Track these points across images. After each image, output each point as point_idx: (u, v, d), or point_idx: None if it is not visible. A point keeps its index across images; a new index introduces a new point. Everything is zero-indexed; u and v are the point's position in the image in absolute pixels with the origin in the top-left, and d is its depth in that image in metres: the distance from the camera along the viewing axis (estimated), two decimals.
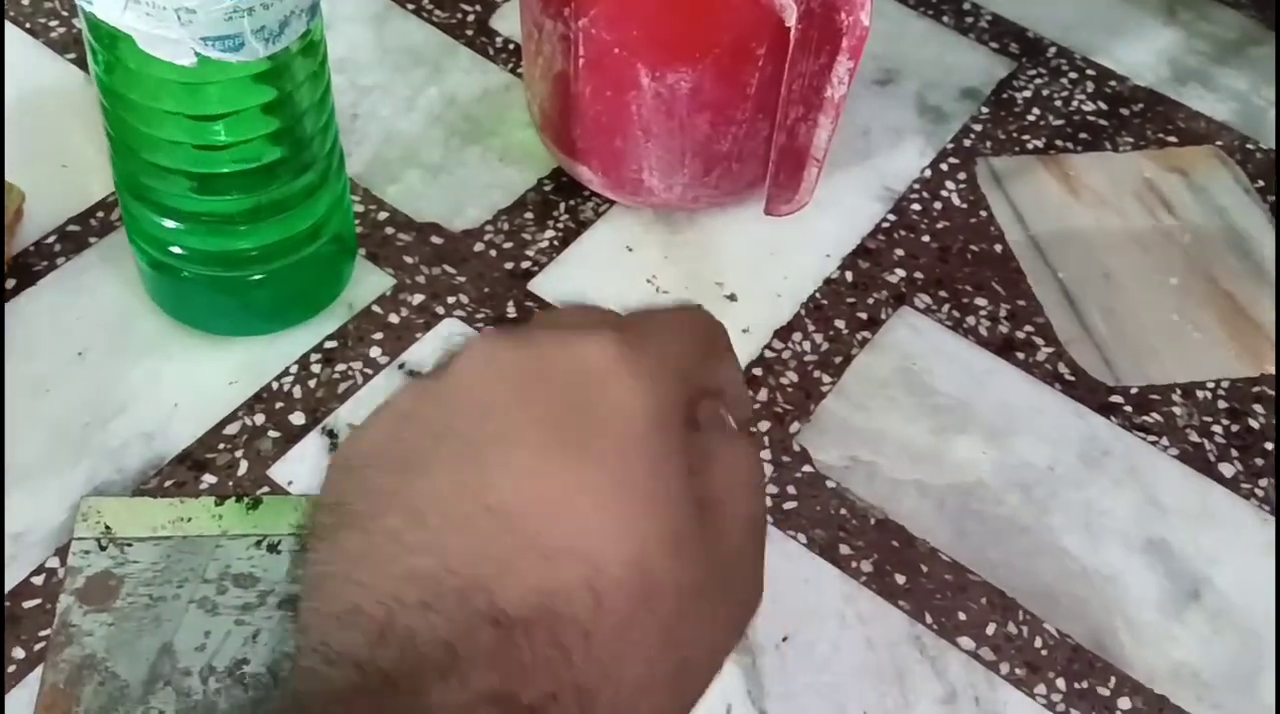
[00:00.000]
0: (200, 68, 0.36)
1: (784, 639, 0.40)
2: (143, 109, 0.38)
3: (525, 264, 0.49)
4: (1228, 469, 0.46)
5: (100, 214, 0.48)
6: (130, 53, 0.36)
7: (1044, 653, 0.41)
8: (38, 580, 0.39)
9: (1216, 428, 0.48)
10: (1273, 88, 0.60)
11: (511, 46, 0.56)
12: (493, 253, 0.49)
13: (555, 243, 0.50)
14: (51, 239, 0.47)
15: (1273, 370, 0.50)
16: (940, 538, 0.43)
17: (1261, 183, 0.56)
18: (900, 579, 0.42)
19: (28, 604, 0.39)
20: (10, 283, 0.46)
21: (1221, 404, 0.48)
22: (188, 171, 0.40)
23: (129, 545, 0.40)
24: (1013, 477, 0.45)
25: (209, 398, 0.44)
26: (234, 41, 0.36)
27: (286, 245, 0.43)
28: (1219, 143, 0.58)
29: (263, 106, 0.39)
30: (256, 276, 0.43)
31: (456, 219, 0.50)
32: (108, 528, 0.40)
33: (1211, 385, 0.49)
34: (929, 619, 0.41)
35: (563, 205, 0.51)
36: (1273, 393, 0.49)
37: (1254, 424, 0.48)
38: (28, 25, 0.54)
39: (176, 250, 0.42)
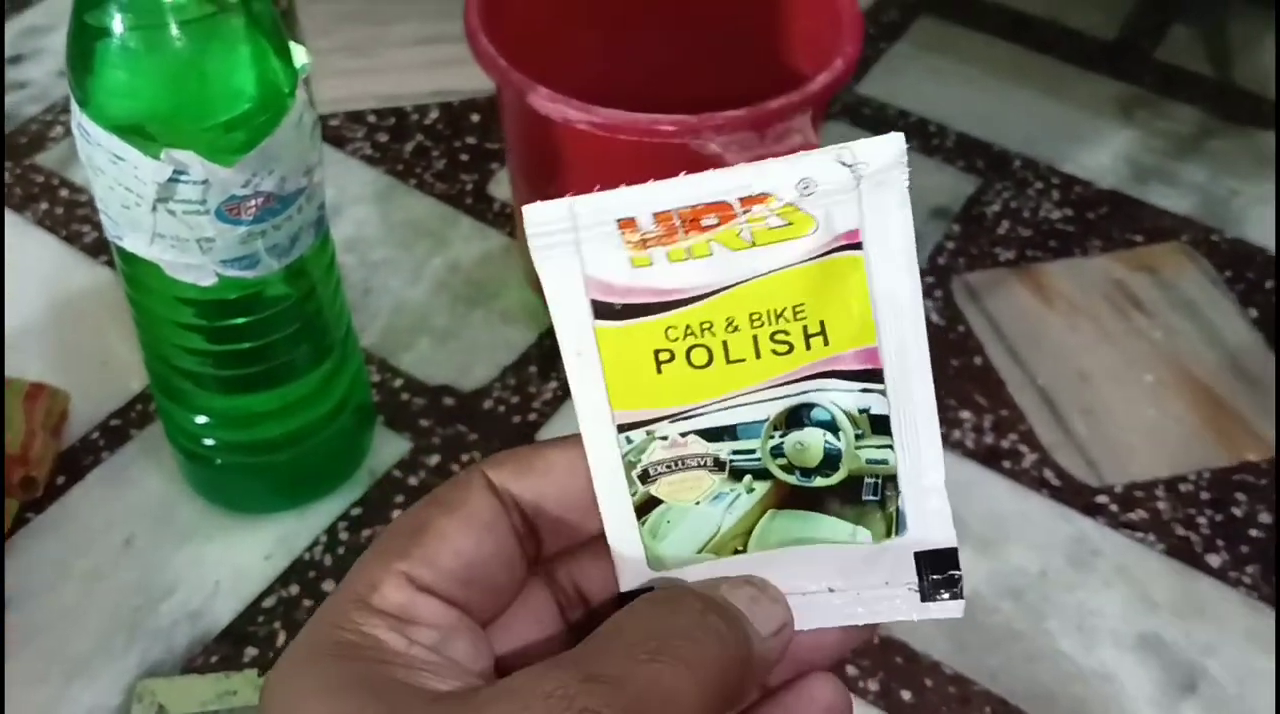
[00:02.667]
0: (220, 284, 0.40)
1: None
2: (170, 323, 0.42)
3: (531, 416, 0.53)
4: (1214, 559, 0.49)
5: (139, 407, 0.52)
6: (155, 275, 0.40)
7: None
8: None
9: (1201, 520, 0.50)
10: (1232, 177, 0.63)
11: (507, 210, 0.60)
12: (501, 408, 0.53)
13: (558, 393, 0.53)
14: (95, 435, 0.51)
15: (1252, 457, 0.52)
16: (941, 650, 0.46)
17: (1229, 272, 0.59)
18: (906, 695, 0.45)
19: None
20: (60, 480, 0.50)
21: (1204, 495, 0.51)
22: (214, 375, 0.43)
23: None
24: (1006, 584, 0.48)
25: (247, 574, 0.47)
26: (250, 261, 0.40)
27: (310, 428, 0.46)
28: (1184, 236, 0.61)
29: (281, 310, 0.43)
30: (284, 459, 0.47)
31: (466, 380, 0.54)
32: (161, 707, 0.43)
33: (1193, 477, 0.51)
34: None
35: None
36: (1253, 480, 0.51)
37: (1237, 512, 0.50)
38: (63, 233, 0.59)
39: (208, 442, 0.46)
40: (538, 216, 0.25)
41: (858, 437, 0.26)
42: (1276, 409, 0.53)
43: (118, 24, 0.36)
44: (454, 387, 0.54)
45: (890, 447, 0.26)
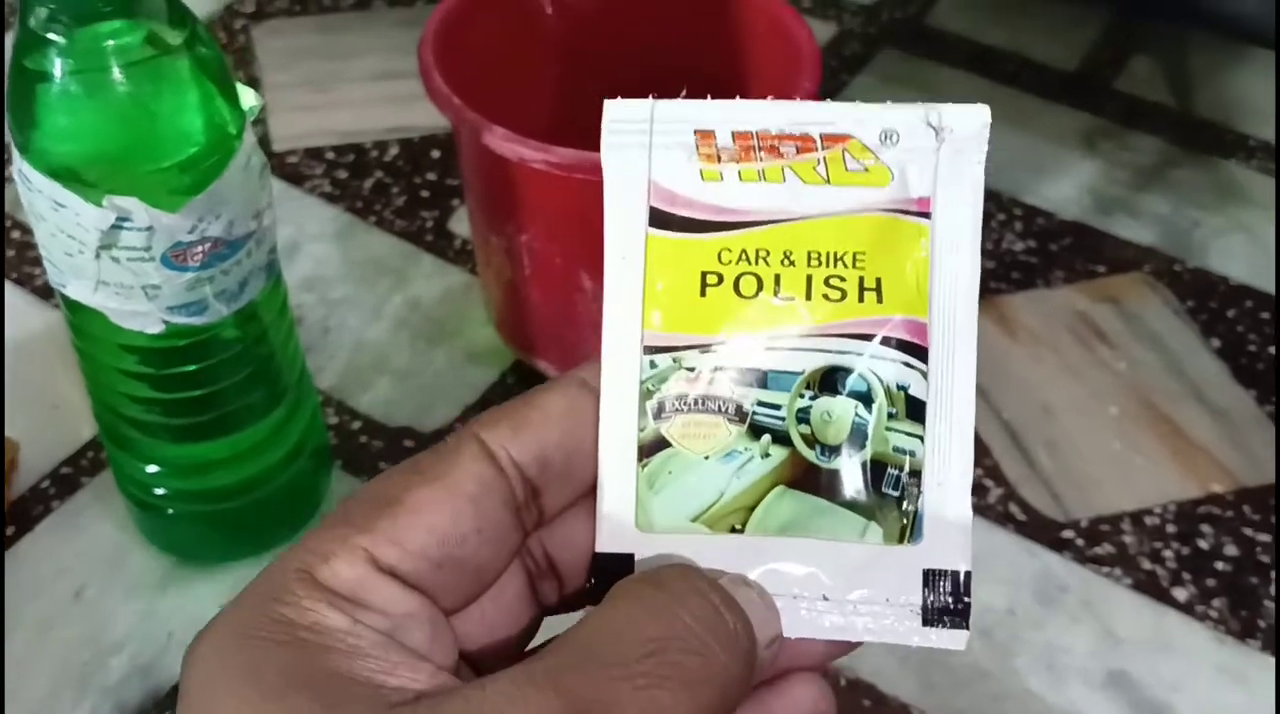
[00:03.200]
0: (167, 331, 0.39)
1: None
2: (117, 371, 0.41)
3: None
4: (1181, 594, 0.48)
5: (90, 454, 0.51)
6: (101, 323, 0.39)
7: None
8: None
9: (1167, 553, 0.50)
10: (1194, 208, 0.63)
11: (469, 247, 0.60)
12: None
13: None
14: (46, 484, 0.50)
15: (1218, 489, 0.52)
16: (909, 691, 0.45)
17: (1191, 303, 0.59)
18: None
19: None
20: (10, 530, 0.49)
21: (1170, 528, 0.50)
22: (164, 423, 0.43)
23: None
24: (974, 622, 0.47)
25: (202, 626, 0.46)
26: (198, 307, 0.39)
27: (264, 475, 0.45)
28: (1147, 267, 0.61)
29: (232, 356, 0.42)
30: (238, 506, 0.46)
31: (427, 420, 0.53)
32: None
33: (1158, 510, 0.51)
34: None
35: None
36: (1219, 512, 0.51)
37: (1203, 545, 0.50)
38: (14, 275, 0.58)
39: (160, 491, 0.45)
40: (618, 112, 0.24)
41: (890, 416, 0.24)
42: (1277, 440, 0.53)
43: (58, 68, 0.35)
44: (414, 428, 0.53)
45: (921, 438, 0.24)
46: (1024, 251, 0.61)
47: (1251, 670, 0.46)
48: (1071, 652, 0.47)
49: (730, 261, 0.24)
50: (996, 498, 0.51)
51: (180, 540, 0.47)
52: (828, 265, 0.24)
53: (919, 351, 0.24)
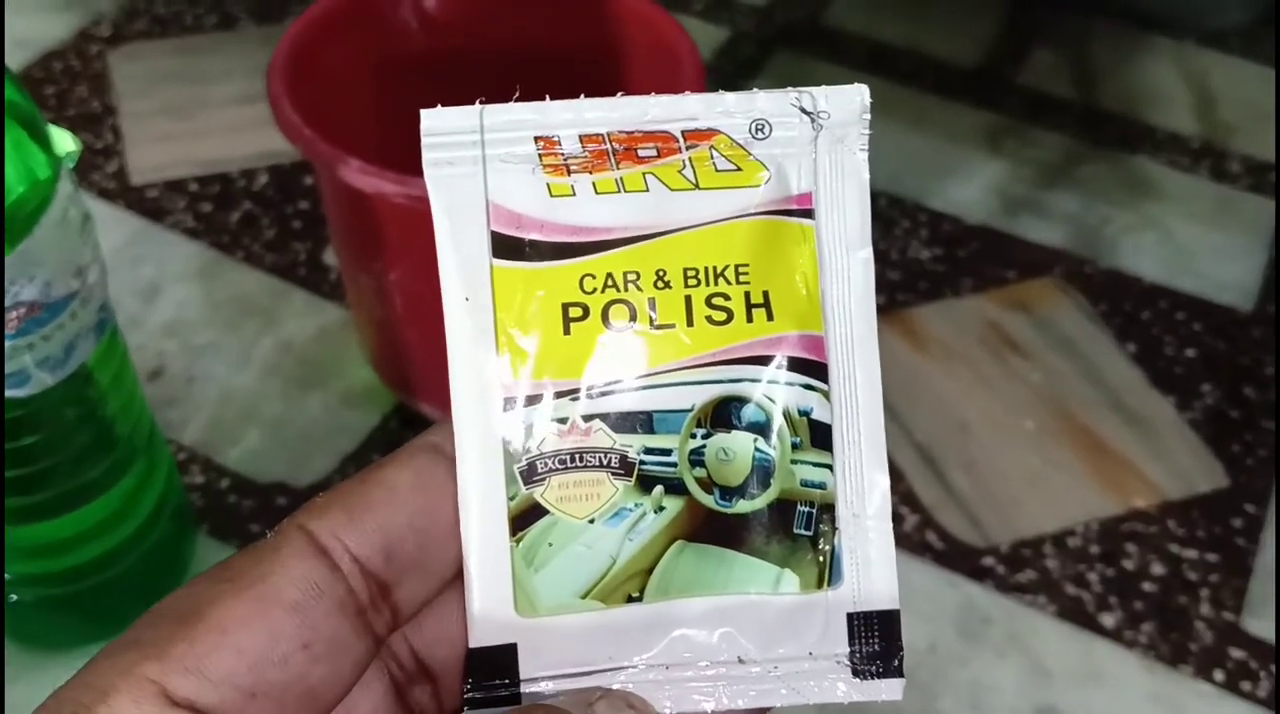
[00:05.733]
0: None
1: None
2: None
3: None
4: (1108, 619, 0.46)
5: None
6: None
7: None
8: None
9: (1092, 575, 0.47)
10: (1104, 204, 0.61)
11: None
12: None
13: None
14: None
15: (1141, 504, 0.50)
16: None
17: (1104, 306, 0.57)
18: None
19: None
20: None
21: (1093, 549, 0.48)
22: None
23: None
24: None
25: None
26: (19, 378, 0.35)
27: (117, 551, 0.41)
28: (1058, 270, 0.58)
29: (65, 426, 0.38)
30: (91, 587, 0.42)
31: (303, 472, 0.49)
32: None
33: (1080, 529, 0.49)
34: None
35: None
36: (1143, 529, 0.49)
37: (1128, 565, 0.48)
38: None
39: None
40: (439, 123, 0.21)
41: (794, 446, 0.21)
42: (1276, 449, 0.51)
43: None
44: (288, 483, 0.49)
45: (830, 467, 0.21)
46: (930, 259, 0.59)
47: (1184, 697, 0.44)
48: (998, 689, 0.44)
49: (595, 289, 0.21)
50: (913, 526, 0.48)
51: (30, 628, 0.43)
52: (708, 283, 0.21)
53: (818, 370, 0.21)
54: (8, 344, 0.34)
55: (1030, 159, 0.64)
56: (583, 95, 0.22)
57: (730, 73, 0.66)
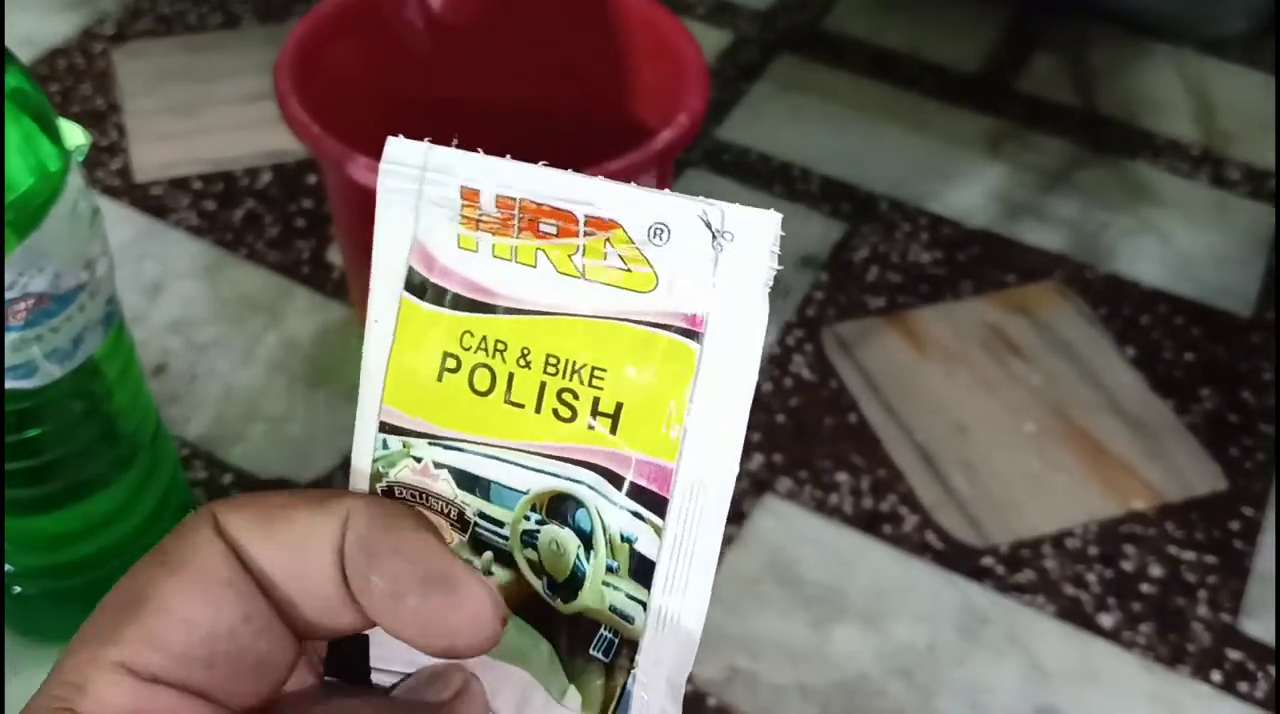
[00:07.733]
0: None
1: None
2: None
3: None
4: (1107, 620, 0.46)
5: None
6: None
7: None
8: None
9: (1090, 577, 0.48)
10: (1103, 209, 0.62)
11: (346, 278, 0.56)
12: None
13: None
14: None
15: (1139, 506, 0.50)
16: None
17: (1104, 310, 0.57)
18: None
19: None
20: None
21: (1092, 550, 0.48)
22: (3, 495, 0.38)
23: None
24: (894, 663, 0.45)
25: None
26: (26, 370, 0.35)
27: (122, 544, 0.41)
28: (1057, 274, 0.59)
29: (72, 419, 0.38)
30: (95, 580, 0.42)
31: (305, 470, 0.49)
32: None
33: (1079, 531, 0.49)
34: None
35: None
36: (1141, 531, 0.49)
37: (1126, 567, 0.48)
38: None
39: (6, 569, 0.41)
40: (395, 153, 0.21)
41: (610, 570, 0.20)
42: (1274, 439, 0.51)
43: None
44: (292, 479, 0.49)
45: (644, 605, 0.20)
46: (931, 263, 0.59)
47: (1182, 698, 0.44)
48: (996, 689, 0.44)
49: (471, 347, 0.21)
50: (913, 526, 0.49)
51: (34, 621, 0.43)
52: (564, 376, 0.20)
53: (657, 503, 0.20)
54: (16, 335, 0.34)
55: (1031, 164, 0.64)
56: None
57: (733, 77, 0.67)
